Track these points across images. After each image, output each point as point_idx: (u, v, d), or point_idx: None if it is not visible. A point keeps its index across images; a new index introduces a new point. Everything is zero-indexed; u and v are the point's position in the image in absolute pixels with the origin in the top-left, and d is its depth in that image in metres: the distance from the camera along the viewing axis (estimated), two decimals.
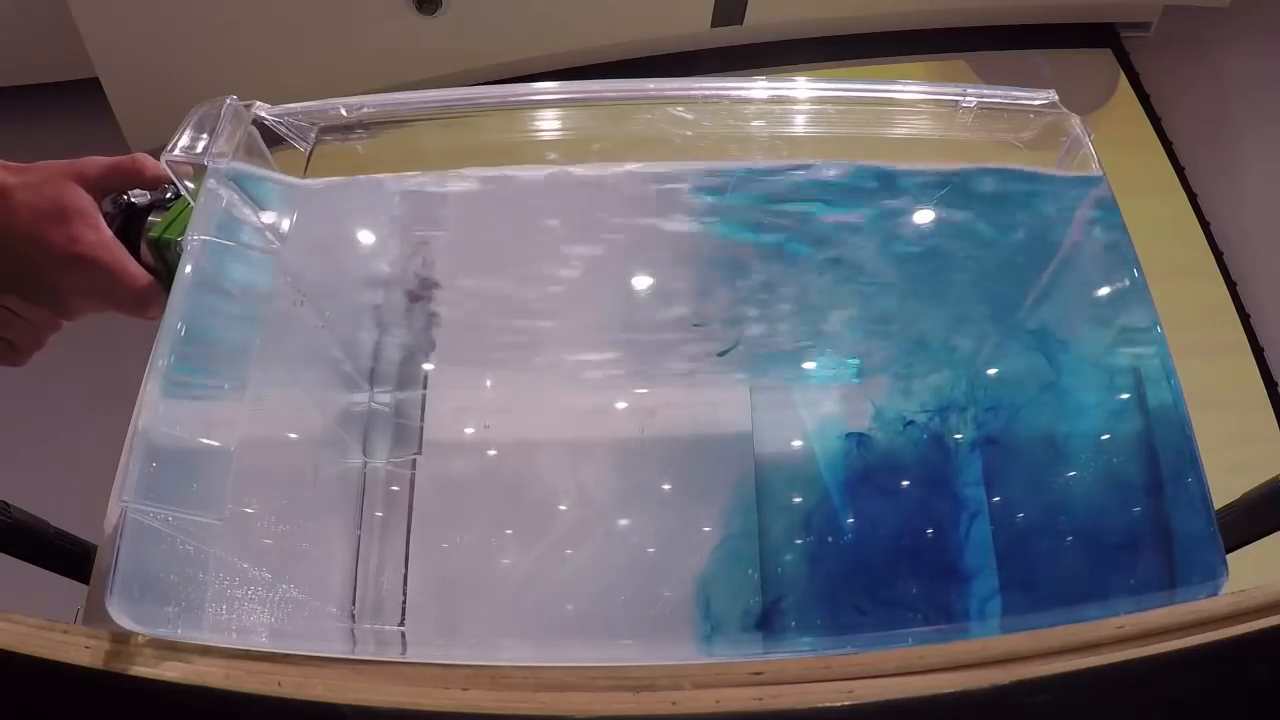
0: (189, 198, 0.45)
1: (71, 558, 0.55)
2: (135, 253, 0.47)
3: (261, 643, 0.38)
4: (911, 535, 0.45)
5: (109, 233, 0.46)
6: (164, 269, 0.47)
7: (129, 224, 0.47)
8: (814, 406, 0.48)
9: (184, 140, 0.44)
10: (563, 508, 0.47)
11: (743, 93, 0.51)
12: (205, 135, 0.45)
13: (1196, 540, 0.39)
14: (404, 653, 0.47)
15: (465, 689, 0.32)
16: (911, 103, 0.51)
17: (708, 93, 0.51)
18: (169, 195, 0.48)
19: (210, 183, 0.44)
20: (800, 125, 0.52)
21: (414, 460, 0.49)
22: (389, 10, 1.14)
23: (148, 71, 1.14)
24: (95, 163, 0.47)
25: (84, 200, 0.46)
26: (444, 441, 0.49)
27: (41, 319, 0.49)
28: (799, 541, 0.45)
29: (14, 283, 0.47)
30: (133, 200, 0.48)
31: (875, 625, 0.44)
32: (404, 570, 0.46)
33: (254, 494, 0.43)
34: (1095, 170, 0.48)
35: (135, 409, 0.42)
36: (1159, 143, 1.17)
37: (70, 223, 0.45)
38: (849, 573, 0.44)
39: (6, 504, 0.52)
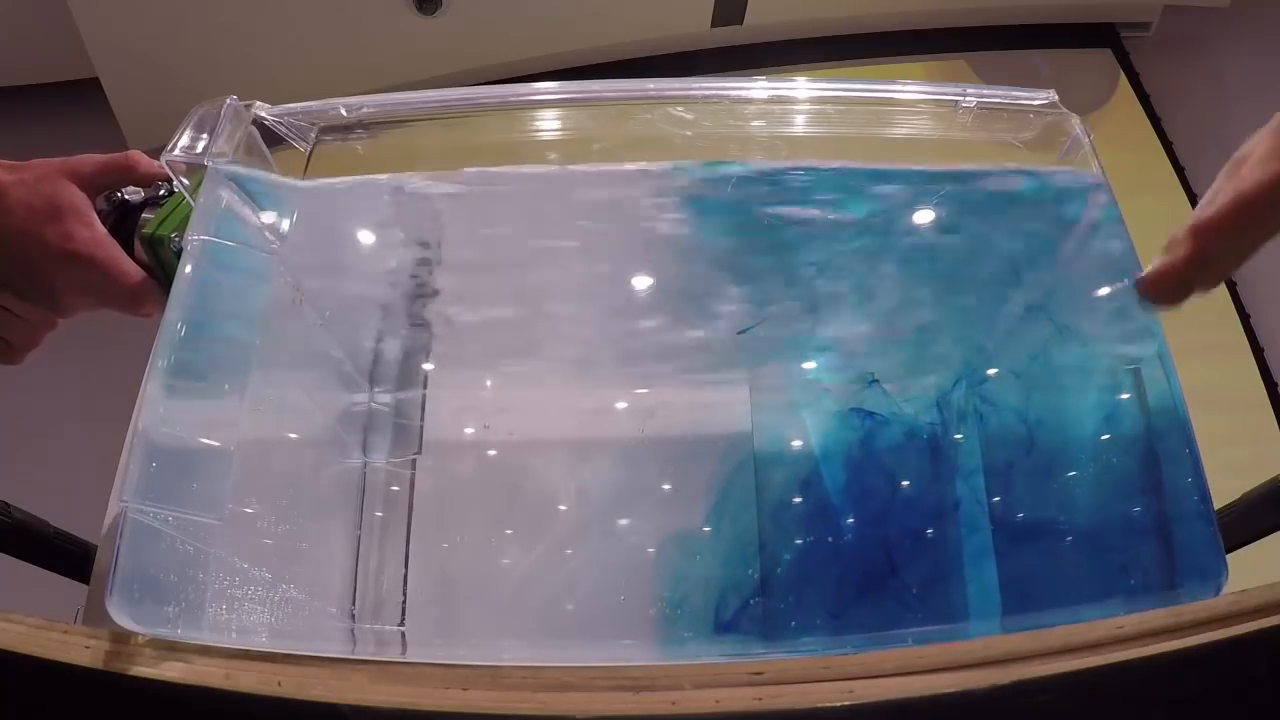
0: (188, 196, 0.45)
1: (71, 558, 0.55)
2: (129, 250, 0.47)
3: (261, 643, 0.38)
4: (911, 535, 0.45)
5: (103, 230, 0.46)
6: (158, 266, 0.47)
7: (123, 221, 0.47)
8: (813, 406, 0.48)
9: (184, 140, 0.44)
10: (562, 508, 0.47)
11: (743, 93, 0.51)
12: (205, 135, 0.44)
13: (1196, 540, 0.39)
14: (404, 653, 0.47)
15: (465, 689, 0.32)
16: (911, 103, 0.51)
17: (708, 93, 0.51)
18: (162, 193, 0.48)
19: (210, 183, 0.44)
20: (800, 125, 0.52)
21: (414, 460, 0.49)
22: (389, 10, 1.14)
23: (148, 71, 1.15)
24: (89, 160, 0.47)
25: (78, 198, 0.46)
26: (444, 441, 0.49)
27: (37, 317, 0.49)
28: (799, 541, 0.45)
29: (9, 281, 0.47)
30: (126, 198, 0.48)
31: (875, 625, 0.44)
32: (404, 570, 0.46)
33: (254, 494, 0.43)
34: (1095, 170, 0.48)
35: (135, 409, 0.43)
36: (1159, 143, 1.17)
37: (64, 220, 0.45)
38: (849, 572, 0.44)
39: (6, 504, 0.52)
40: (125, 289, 0.47)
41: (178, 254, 0.46)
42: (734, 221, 0.51)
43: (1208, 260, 0.35)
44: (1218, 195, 0.35)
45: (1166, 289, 0.36)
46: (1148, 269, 0.37)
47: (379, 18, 1.15)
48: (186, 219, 0.46)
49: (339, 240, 0.52)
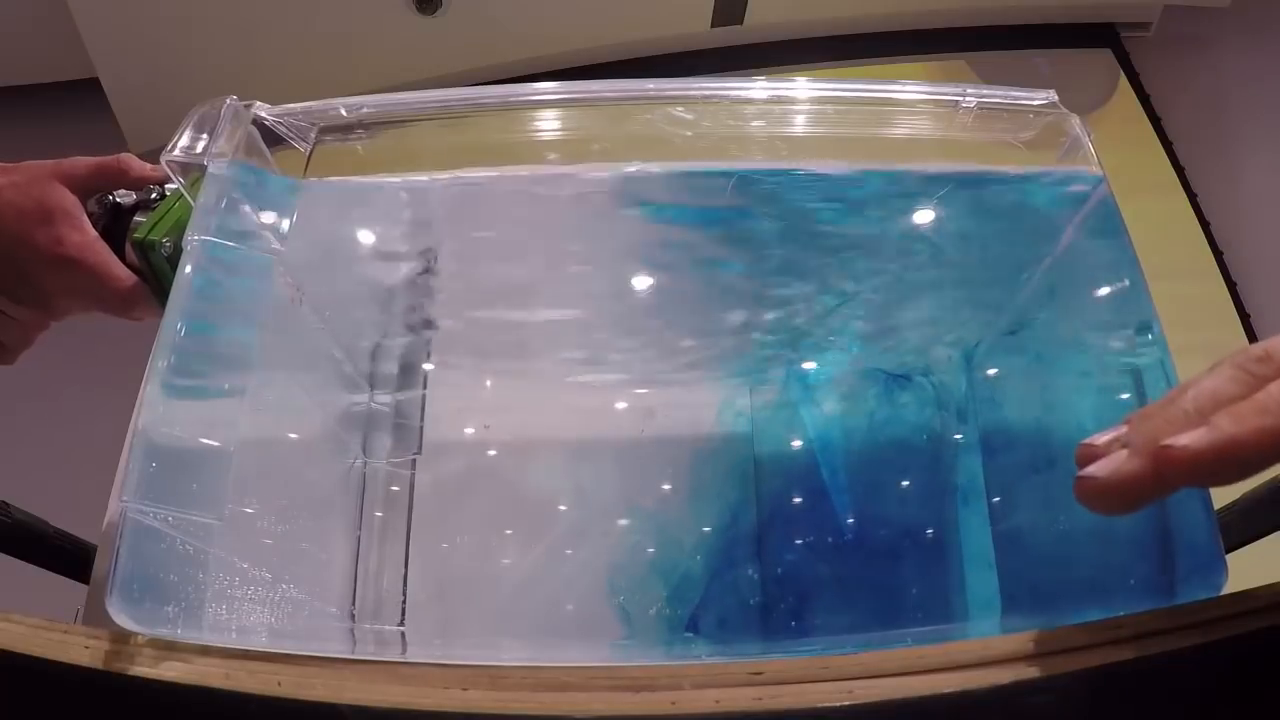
0: (186, 195, 0.45)
1: (71, 558, 0.55)
2: (120, 253, 0.47)
3: (261, 643, 0.38)
4: (911, 535, 0.45)
5: (94, 233, 0.46)
6: (149, 270, 0.47)
7: (114, 224, 0.47)
8: (813, 406, 0.48)
9: (184, 140, 0.44)
10: (562, 508, 0.47)
11: (743, 93, 0.51)
12: (205, 135, 0.44)
13: (1196, 540, 0.39)
14: (404, 653, 0.47)
15: (465, 689, 0.32)
16: (911, 103, 0.51)
17: (708, 93, 0.51)
18: (154, 196, 0.48)
19: (210, 183, 0.44)
20: (800, 125, 0.52)
21: (414, 460, 0.49)
22: (389, 10, 1.14)
23: (148, 71, 1.15)
24: (80, 163, 0.47)
25: (69, 201, 0.46)
26: (444, 441, 0.49)
27: (29, 318, 0.49)
28: (798, 541, 0.45)
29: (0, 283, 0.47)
30: (118, 200, 0.47)
31: (875, 625, 0.44)
32: (404, 570, 0.46)
33: (254, 494, 0.43)
34: (1095, 170, 0.48)
35: (135, 409, 0.43)
36: (1159, 143, 1.17)
37: (55, 223, 0.45)
38: (849, 572, 0.44)
39: (6, 504, 0.52)
40: (116, 293, 0.47)
41: (169, 258, 0.46)
42: (733, 221, 0.51)
43: (1166, 487, 0.28)
44: (1217, 402, 0.28)
45: (1109, 505, 0.29)
46: (1092, 469, 0.29)
47: (379, 18, 1.15)
48: (178, 223, 0.46)
49: (339, 240, 0.52)
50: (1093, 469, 0.29)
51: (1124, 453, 0.29)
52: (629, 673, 0.33)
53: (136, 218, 0.47)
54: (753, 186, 0.51)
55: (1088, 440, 0.30)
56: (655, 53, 1.27)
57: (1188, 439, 0.27)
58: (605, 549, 0.46)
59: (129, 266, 0.47)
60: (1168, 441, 0.27)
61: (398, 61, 1.21)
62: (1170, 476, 0.28)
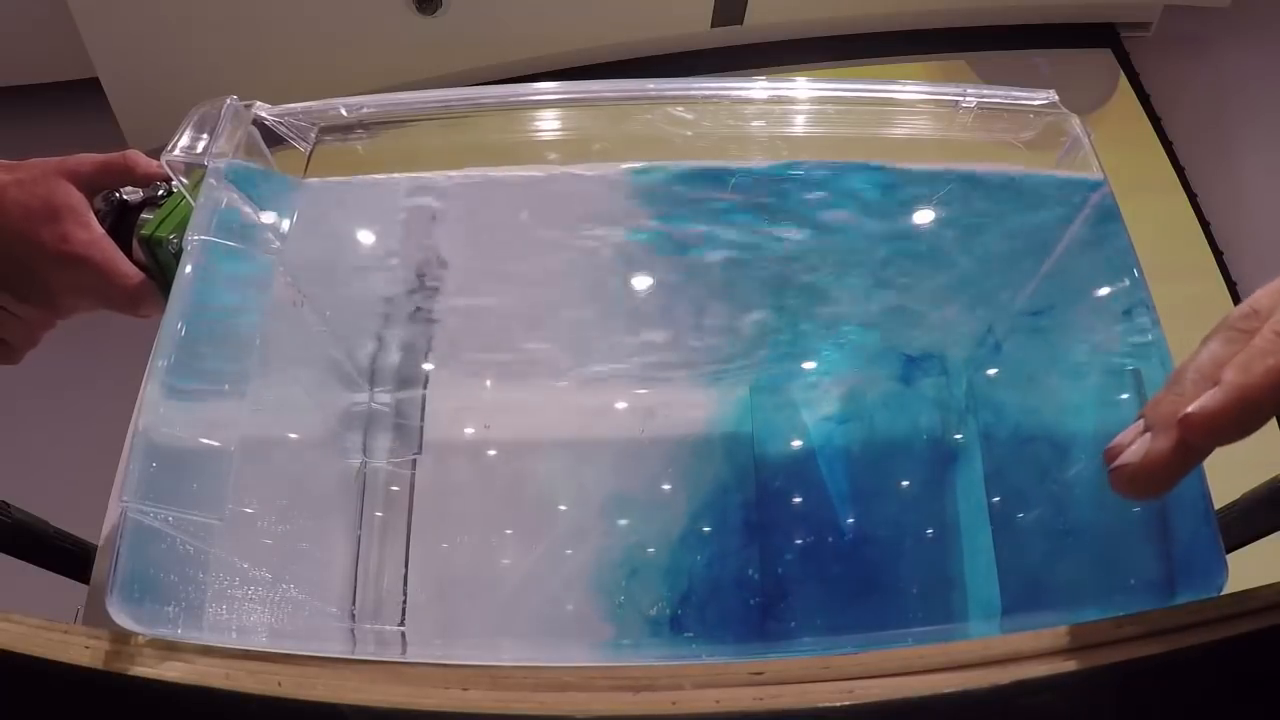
0: (188, 196, 0.45)
1: (71, 558, 0.55)
2: (127, 250, 0.47)
3: (261, 643, 0.38)
4: (912, 534, 0.45)
5: (100, 231, 0.46)
6: (156, 267, 0.47)
7: (121, 222, 0.47)
8: (813, 406, 0.48)
9: (184, 140, 0.44)
10: (562, 508, 0.47)
11: (743, 93, 0.51)
12: (205, 135, 0.44)
13: (1196, 540, 0.39)
14: (404, 653, 0.47)
15: (465, 689, 0.32)
16: (911, 103, 0.51)
17: (708, 93, 0.51)
18: (161, 193, 0.48)
19: (210, 183, 0.44)
20: (800, 125, 0.52)
21: (414, 460, 0.49)
22: (389, 10, 1.14)
23: (148, 71, 1.15)
24: (86, 160, 0.47)
25: (75, 198, 0.46)
26: (444, 441, 0.49)
27: (35, 317, 0.49)
28: (799, 541, 0.45)
29: (5, 282, 0.46)
30: (125, 198, 0.47)
31: (875, 625, 0.44)
32: (404, 570, 0.46)
33: (254, 494, 0.43)
34: (1095, 170, 0.48)
35: (135, 409, 0.43)
36: (1159, 143, 1.17)
37: (61, 221, 0.45)
38: (849, 572, 0.44)
39: (6, 504, 0.52)
40: (123, 290, 0.46)
41: (176, 255, 0.46)
42: (733, 220, 0.51)
43: (1195, 455, 0.29)
44: (1218, 365, 0.29)
45: (1147, 486, 0.30)
46: (1123, 459, 0.30)
47: (379, 18, 1.15)
48: (185, 220, 0.46)
49: (339, 240, 0.52)
50: (1123, 458, 0.30)
51: (1147, 436, 0.30)
52: (629, 673, 0.33)
53: (143, 214, 0.47)
54: (753, 185, 0.51)
55: (1112, 443, 0.31)
56: (655, 53, 1.27)
57: (1203, 401, 0.28)
58: (605, 549, 0.46)
59: (136, 264, 0.47)
60: (1186, 410, 0.28)
61: (398, 61, 1.21)
62: (1196, 443, 0.29)
